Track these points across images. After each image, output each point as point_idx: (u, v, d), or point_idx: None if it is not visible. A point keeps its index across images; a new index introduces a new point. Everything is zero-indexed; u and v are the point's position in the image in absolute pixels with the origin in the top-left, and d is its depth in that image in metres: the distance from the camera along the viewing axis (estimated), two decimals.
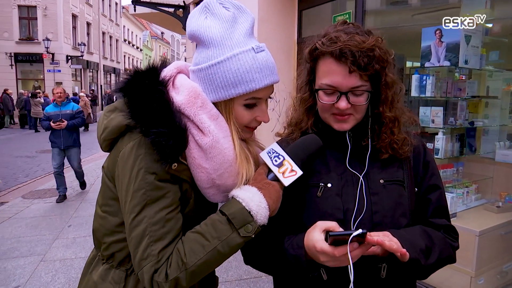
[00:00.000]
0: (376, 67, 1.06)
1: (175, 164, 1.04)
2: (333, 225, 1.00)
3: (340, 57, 1.05)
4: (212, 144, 1.05)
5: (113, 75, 39.02)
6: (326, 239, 0.99)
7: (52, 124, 6.35)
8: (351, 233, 0.91)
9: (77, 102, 21.67)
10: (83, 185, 7.46)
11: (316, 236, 1.01)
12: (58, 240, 5.00)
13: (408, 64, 4.68)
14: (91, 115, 20.02)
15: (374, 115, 1.17)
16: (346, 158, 1.18)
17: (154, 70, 1.12)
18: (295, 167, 1.09)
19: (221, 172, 1.07)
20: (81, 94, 20.21)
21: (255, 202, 1.04)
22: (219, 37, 1.05)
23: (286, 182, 1.08)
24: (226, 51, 1.05)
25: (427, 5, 4.58)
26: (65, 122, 6.38)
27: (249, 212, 1.03)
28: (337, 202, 1.13)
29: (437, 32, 3.11)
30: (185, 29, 8.58)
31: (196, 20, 1.09)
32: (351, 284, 0.98)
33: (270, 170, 1.11)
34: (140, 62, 51.23)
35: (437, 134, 3.25)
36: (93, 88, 29.78)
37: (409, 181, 1.18)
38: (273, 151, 1.12)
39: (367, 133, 1.18)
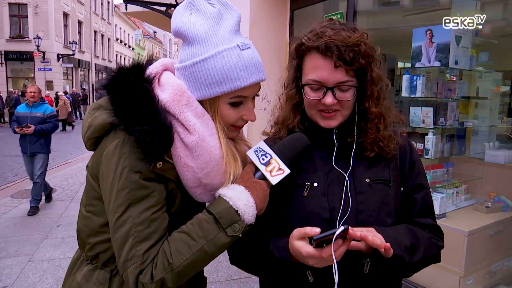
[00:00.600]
0: (362, 62, 1.06)
1: (160, 162, 1.02)
2: (307, 231, 0.98)
3: (325, 51, 1.05)
4: (198, 142, 1.03)
5: (104, 74, 38.71)
6: (310, 243, 0.98)
7: (16, 128, 5.63)
8: (334, 232, 0.91)
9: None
10: (37, 201, 6.02)
11: (298, 243, 1.00)
12: (47, 240, 4.94)
13: (400, 64, 4.71)
14: (72, 114, 19.62)
15: (360, 112, 1.17)
16: (332, 157, 1.17)
17: (139, 67, 1.10)
18: (283, 166, 1.08)
19: (208, 171, 1.06)
20: (60, 93, 19.69)
21: (243, 201, 1.02)
22: (204, 34, 1.03)
23: (274, 180, 1.07)
24: (211, 48, 1.02)
25: (418, 6, 4.61)
26: (32, 127, 5.60)
27: (237, 211, 1.02)
28: (323, 202, 1.12)
29: (428, 32, 3.13)
30: None
31: (180, 16, 1.06)
32: (336, 285, 0.98)
33: (257, 169, 1.10)
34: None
35: (427, 134, 3.27)
36: (84, 87, 29.55)
37: (395, 180, 1.18)
38: (260, 150, 1.11)
39: (354, 131, 1.17)
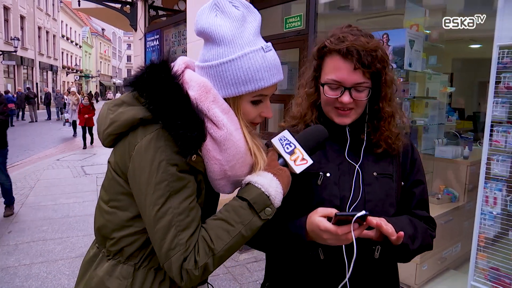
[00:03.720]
0: (378, 66, 1.18)
1: (195, 155, 1.07)
2: (332, 211, 1.08)
3: (346, 54, 1.16)
4: (226, 136, 1.09)
5: (50, 72, 36.85)
6: (329, 220, 1.07)
7: None
8: (355, 214, 1.00)
9: (11, 101, 20.10)
10: None
11: (319, 218, 1.09)
12: None
13: None
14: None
15: (372, 111, 1.29)
16: (344, 150, 1.28)
17: (165, 64, 1.12)
18: (306, 156, 1.15)
19: (233, 163, 1.12)
20: None
21: (273, 187, 1.09)
22: (230, 36, 1.09)
23: (298, 169, 1.14)
24: (237, 50, 1.09)
25: (370, 11, 4.87)
26: None
27: (268, 197, 1.09)
28: (335, 190, 1.23)
29: (384, 36, 3.33)
30: (132, 26, 8.38)
31: (206, 17, 1.12)
32: (353, 260, 1.07)
33: (279, 156, 1.17)
34: (80, 60, 48.90)
35: None
36: (28, 86, 27.92)
37: (397, 175, 1.30)
38: (285, 139, 1.17)
39: (364, 128, 1.29)
